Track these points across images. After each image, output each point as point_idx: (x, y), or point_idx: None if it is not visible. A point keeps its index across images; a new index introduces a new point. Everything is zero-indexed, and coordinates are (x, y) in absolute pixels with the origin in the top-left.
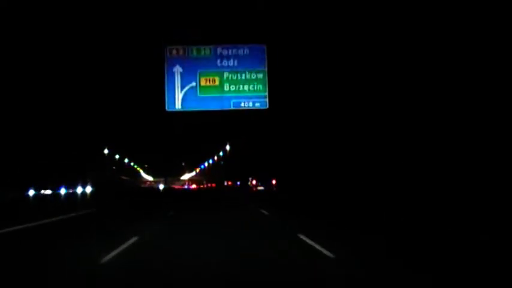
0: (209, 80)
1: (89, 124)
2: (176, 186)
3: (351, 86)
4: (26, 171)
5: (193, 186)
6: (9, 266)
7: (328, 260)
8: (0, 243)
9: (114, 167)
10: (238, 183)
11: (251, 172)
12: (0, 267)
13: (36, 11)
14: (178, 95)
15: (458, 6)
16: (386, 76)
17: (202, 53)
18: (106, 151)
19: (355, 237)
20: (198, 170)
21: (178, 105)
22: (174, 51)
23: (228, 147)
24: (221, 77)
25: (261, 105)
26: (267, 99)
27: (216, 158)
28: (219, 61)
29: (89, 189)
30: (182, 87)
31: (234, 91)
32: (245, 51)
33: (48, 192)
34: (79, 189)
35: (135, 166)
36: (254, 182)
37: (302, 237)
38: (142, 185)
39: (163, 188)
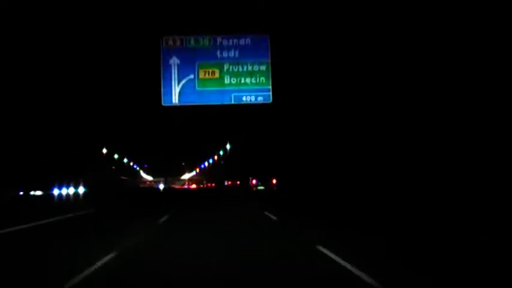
0: (208, 73)
1: (87, 123)
2: (176, 186)
3: (357, 83)
4: (25, 172)
5: (193, 186)
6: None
7: (328, 259)
8: None
9: (113, 167)
10: (238, 182)
11: (251, 172)
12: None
13: (29, 7)
14: (176, 89)
15: (460, 6)
16: (392, 75)
17: (201, 43)
18: (104, 151)
19: (355, 237)
20: (198, 169)
21: (175, 100)
22: (171, 42)
23: (228, 147)
24: (221, 69)
25: (264, 99)
26: (270, 93)
27: (216, 157)
28: (219, 52)
29: (81, 189)
30: (179, 80)
31: (235, 84)
32: (247, 41)
33: (39, 193)
34: (71, 190)
35: (135, 166)
36: (254, 181)
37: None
38: (142, 185)
39: (164, 188)
